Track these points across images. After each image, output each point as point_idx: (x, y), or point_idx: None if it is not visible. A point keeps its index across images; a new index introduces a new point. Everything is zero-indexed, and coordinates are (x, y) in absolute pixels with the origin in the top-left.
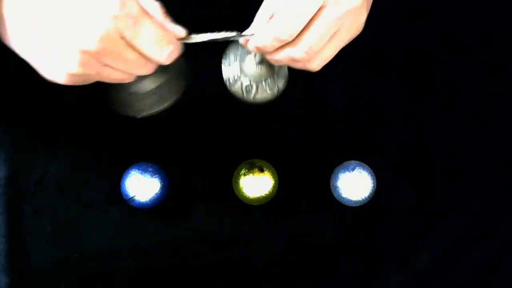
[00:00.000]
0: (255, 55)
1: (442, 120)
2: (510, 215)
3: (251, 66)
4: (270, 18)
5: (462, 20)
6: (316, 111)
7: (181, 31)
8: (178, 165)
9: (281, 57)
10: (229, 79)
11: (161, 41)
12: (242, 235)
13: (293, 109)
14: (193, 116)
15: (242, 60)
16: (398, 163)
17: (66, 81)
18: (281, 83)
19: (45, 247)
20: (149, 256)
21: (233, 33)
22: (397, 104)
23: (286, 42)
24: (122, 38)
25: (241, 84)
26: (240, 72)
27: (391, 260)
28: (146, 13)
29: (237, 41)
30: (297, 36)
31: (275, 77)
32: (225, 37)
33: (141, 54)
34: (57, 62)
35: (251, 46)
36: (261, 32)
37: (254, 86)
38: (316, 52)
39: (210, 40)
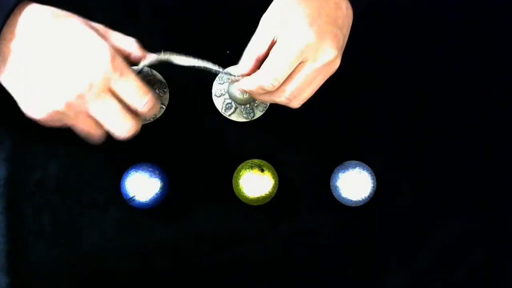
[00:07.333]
0: None
1: (442, 121)
2: (510, 215)
3: (236, 91)
4: (255, 59)
5: (462, 21)
6: (316, 111)
7: (154, 57)
8: (178, 165)
9: (265, 99)
10: (216, 93)
11: (140, 91)
12: (242, 235)
13: (293, 109)
14: (193, 116)
15: (231, 83)
16: (398, 163)
17: (43, 117)
18: (258, 112)
19: (45, 247)
20: (149, 256)
21: (215, 67)
22: (398, 104)
23: (270, 90)
24: (109, 87)
25: (224, 100)
26: (226, 91)
27: (391, 260)
28: (129, 68)
29: (235, 64)
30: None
31: (255, 105)
32: (207, 68)
33: (122, 104)
34: (44, 101)
35: (238, 87)
36: (248, 80)
37: (233, 107)
38: (295, 96)
39: (192, 65)
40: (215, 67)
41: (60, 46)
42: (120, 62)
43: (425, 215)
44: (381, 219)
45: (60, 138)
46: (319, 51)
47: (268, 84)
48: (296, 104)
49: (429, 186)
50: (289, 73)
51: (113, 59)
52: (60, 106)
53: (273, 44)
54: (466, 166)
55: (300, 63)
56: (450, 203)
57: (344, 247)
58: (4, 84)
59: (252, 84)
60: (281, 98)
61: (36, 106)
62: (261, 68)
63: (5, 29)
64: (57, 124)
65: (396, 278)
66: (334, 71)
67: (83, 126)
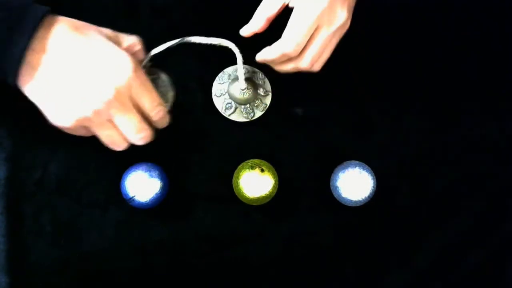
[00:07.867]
0: (242, 83)
1: (442, 120)
2: (510, 215)
3: (236, 91)
4: (266, 19)
5: (462, 21)
6: (316, 111)
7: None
8: (178, 165)
9: (288, 69)
10: (216, 93)
11: (155, 100)
12: (242, 235)
13: (293, 109)
14: (193, 116)
15: (231, 82)
16: (398, 163)
17: (72, 125)
18: (258, 112)
19: (45, 247)
20: (149, 256)
21: (225, 42)
22: (397, 104)
23: (292, 57)
24: (130, 95)
25: (224, 100)
26: (226, 91)
27: (391, 260)
28: (148, 78)
29: (235, 64)
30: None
31: (255, 105)
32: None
33: (140, 111)
34: (73, 109)
35: (260, 58)
36: (270, 49)
37: (233, 107)
38: (316, 60)
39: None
40: (225, 43)
41: (87, 57)
42: (141, 72)
43: (425, 215)
44: (381, 219)
45: (60, 138)
46: (332, 15)
47: (290, 50)
48: (317, 67)
49: (429, 186)
50: (308, 37)
51: (135, 68)
52: (88, 113)
53: (283, 7)
54: (466, 166)
55: (315, 29)
56: (450, 203)
57: (344, 247)
58: (30, 95)
59: (275, 52)
60: (304, 65)
61: (65, 114)
62: (281, 36)
63: (34, 40)
64: (83, 132)
65: (396, 278)
66: (346, 31)
67: (108, 133)
